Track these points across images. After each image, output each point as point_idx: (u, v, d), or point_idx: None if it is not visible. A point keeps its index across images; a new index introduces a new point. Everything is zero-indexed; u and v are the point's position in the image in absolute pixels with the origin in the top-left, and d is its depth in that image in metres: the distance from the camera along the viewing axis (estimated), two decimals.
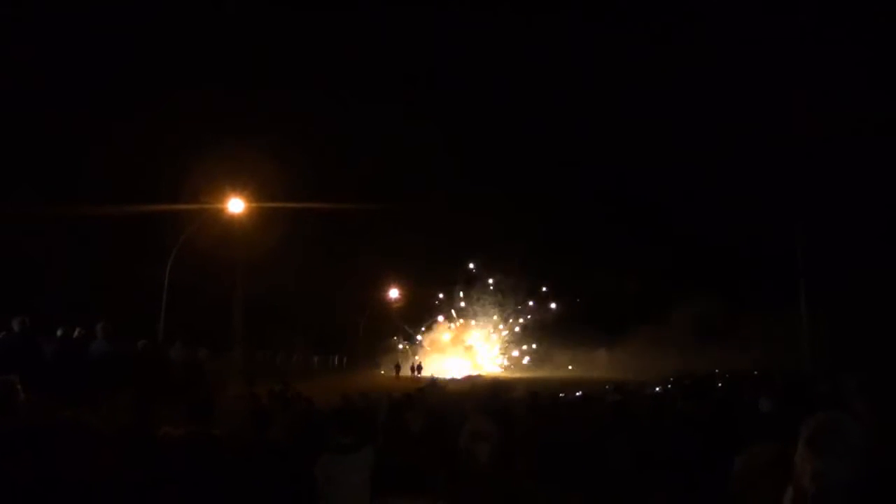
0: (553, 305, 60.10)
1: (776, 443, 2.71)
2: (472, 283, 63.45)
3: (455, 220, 52.13)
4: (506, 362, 60.92)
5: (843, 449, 2.27)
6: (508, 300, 62.00)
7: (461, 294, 63.97)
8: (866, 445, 2.29)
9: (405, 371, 47.53)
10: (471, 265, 62.49)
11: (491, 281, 62.38)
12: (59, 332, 9.17)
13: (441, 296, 63.64)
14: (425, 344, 62.98)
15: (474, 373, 46.46)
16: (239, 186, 21.65)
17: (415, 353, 59.71)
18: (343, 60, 59.42)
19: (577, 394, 14.28)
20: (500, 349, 62.01)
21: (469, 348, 61.37)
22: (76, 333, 9.55)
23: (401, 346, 60.66)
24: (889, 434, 2.79)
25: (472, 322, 63.06)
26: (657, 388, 15.01)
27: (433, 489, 3.26)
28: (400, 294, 58.16)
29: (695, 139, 48.65)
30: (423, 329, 63.83)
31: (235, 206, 20.98)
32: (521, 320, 61.79)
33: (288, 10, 49.72)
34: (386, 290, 57.58)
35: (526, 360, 60.14)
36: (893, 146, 32.00)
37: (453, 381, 36.59)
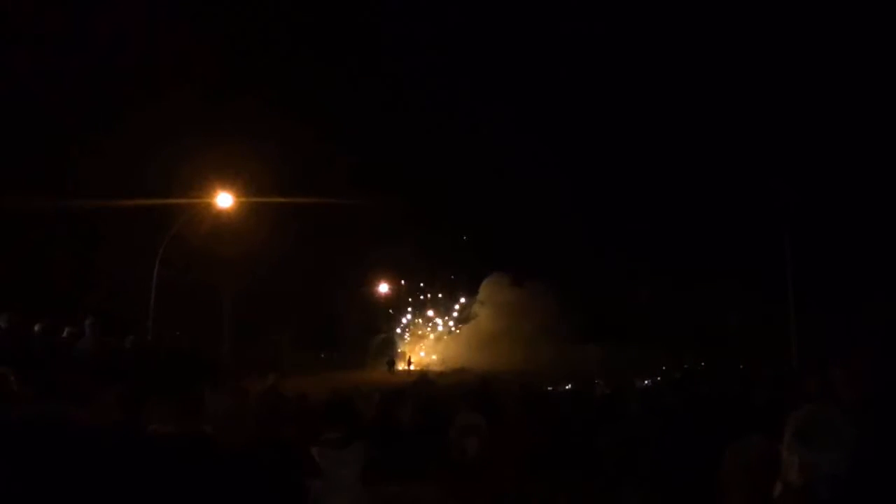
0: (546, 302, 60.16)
1: (765, 436, 2.72)
2: (468, 280, 63.50)
3: (453, 218, 52.01)
4: (496, 356, 60.98)
5: (830, 441, 2.27)
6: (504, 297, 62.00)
7: (458, 289, 64.00)
8: (854, 438, 2.30)
9: (398, 365, 47.59)
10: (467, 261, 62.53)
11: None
12: (36, 328, 8.99)
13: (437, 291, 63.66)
14: (419, 338, 63.02)
15: (465, 366, 46.60)
16: (227, 181, 21.55)
17: (408, 348, 59.76)
18: (334, 54, 59.15)
19: (567, 387, 14.34)
20: (490, 344, 62.03)
21: (461, 343, 61.41)
22: (65, 333, 9.47)
23: (393, 341, 60.66)
24: (876, 426, 2.81)
25: (460, 314, 63.11)
26: (646, 382, 15.12)
27: (424, 482, 3.26)
28: (390, 288, 58.15)
29: (686, 131, 48.82)
30: (416, 323, 63.82)
31: (224, 200, 20.85)
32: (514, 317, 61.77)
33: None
34: (377, 285, 57.56)
35: (515, 354, 60.21)
36: (889, 148, 32.38)
37: (444, 374, 36.75)
